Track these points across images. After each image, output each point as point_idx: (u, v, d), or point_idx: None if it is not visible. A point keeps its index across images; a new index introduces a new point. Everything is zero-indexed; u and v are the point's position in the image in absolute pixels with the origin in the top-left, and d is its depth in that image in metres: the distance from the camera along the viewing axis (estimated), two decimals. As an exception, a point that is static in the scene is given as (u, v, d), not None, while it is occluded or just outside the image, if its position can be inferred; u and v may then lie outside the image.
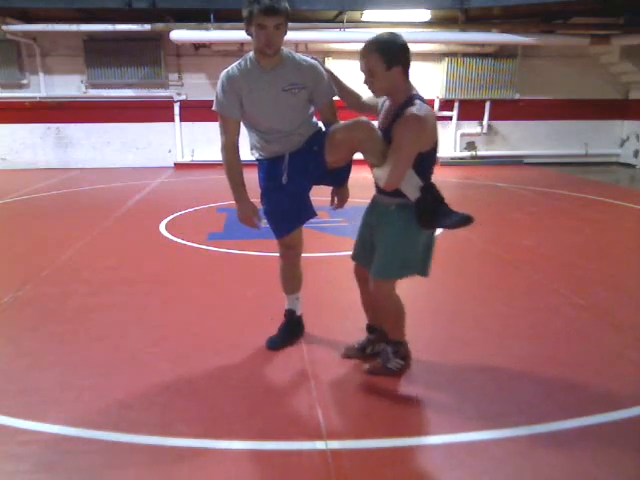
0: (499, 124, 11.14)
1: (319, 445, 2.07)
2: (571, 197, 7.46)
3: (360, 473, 1.93)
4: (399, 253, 2.38)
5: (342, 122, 2.52)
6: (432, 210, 2.27)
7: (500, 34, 9.72)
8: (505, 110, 10.98)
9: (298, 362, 2.74)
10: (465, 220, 2.24)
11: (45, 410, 2.31)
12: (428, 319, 3.35)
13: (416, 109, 2.17)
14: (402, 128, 2.19)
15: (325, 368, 2.69)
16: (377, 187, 2.45)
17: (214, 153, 10.71)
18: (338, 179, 2.71)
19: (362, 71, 2.27)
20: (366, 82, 2.28)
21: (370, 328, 2.76)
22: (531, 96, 10.96)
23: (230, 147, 2.57)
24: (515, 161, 11.14)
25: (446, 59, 10.61)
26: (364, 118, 2.38)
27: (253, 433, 2.16)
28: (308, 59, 2.55)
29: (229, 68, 2.52)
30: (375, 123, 2.44)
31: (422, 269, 2.46)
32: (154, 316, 3.38)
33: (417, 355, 2.66)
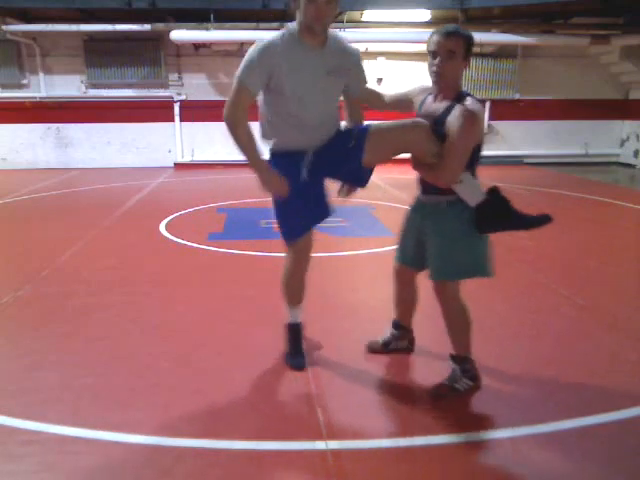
0: (499, 124, 11.13)
1: (319, 445, 2.07)
2: (571, 197, 7.46)
3: (360, 473, 1.93)
4: (455, 252, 2.30)
5: (388, 122, 2.31)
6: (503, 212, 2.23)
7: (500, 34, 9.73)
8: (505, 110, 10.98)
9: (298, 362, 2.74)
10: (542, 220, 2.21)
11: (45, 410, 2.31)
12: (427, 319, 3.34)
13: (469, 104, 2.18)
14: (458, 123, 2.15)
15: (325, 368, 2.68)
16: (422, 186, 2.39)
17: (214, 153, 10.73)
18: (361, 180, 2.47)
19: (434, 51, 2.17)
20: (436, 64, 2.18)
21: (396, 324, 2.77)
22: (531, 96, 10.96)
23: (242, 118, 2.30)
24: (515, 161, 11.14)
25: (446, 59, 10.62)
26: (421, 119, 2.27)
27: (253, 433, 2.16)
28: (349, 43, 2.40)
29: (269, 38, 2.26)
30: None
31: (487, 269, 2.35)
32: (154, 316, 3.38)
33: (417, 355, 2.66)
